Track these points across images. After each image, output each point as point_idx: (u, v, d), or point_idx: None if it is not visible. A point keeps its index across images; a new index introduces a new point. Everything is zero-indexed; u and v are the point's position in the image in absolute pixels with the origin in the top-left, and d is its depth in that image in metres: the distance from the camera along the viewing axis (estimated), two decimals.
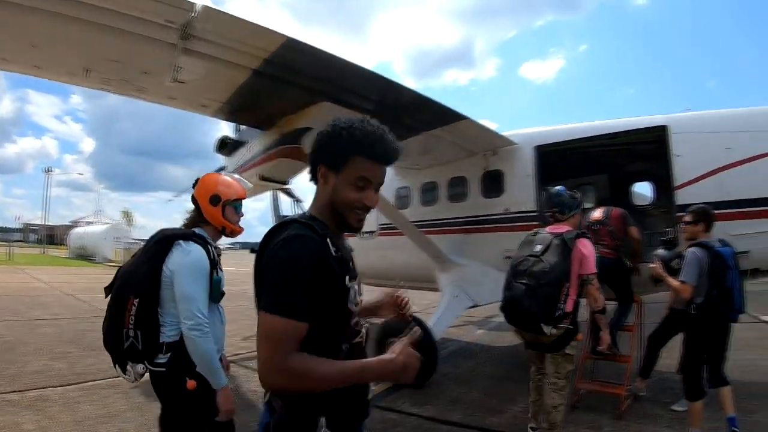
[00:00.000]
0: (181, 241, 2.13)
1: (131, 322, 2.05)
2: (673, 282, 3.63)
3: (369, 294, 1.52)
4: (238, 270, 12.77)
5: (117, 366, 2.14)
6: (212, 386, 2.05)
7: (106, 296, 2.17)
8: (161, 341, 2.09)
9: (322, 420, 1.20)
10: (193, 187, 2.34)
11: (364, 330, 1.36)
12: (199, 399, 2.05)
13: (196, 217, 2.32)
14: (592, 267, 3.07)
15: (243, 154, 5.93)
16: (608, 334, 3.54)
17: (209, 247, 2.19)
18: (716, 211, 3.80)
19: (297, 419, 1.21)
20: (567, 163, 6.54)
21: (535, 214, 5.57)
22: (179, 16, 3.06)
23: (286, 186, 6.39)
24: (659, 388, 4.73)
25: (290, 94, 4.33)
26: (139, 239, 37.69)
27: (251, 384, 5.03)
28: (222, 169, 6.56)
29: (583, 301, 3.30)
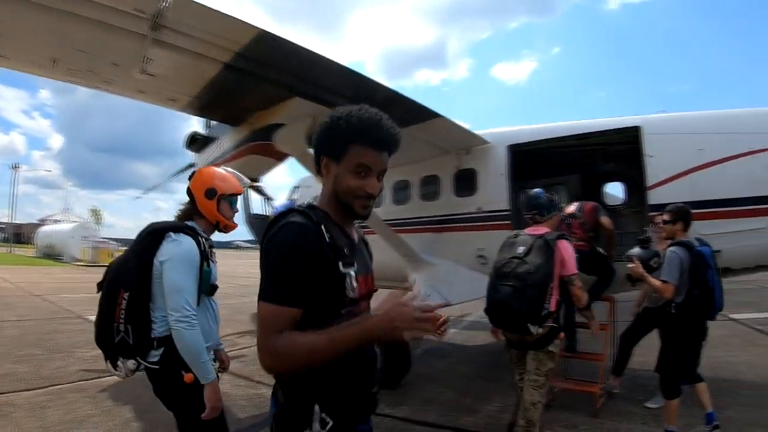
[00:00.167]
0: (171, 233, 2.11)
1: (122, 316, 2.03)
2: (655, 282, 3.62)
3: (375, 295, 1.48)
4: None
5: (108, 362, 2.12)
6: (199, 381, 2.00)
7: (98, 291, 2.15)
8: (152, 336, 2.06)
9: (317, 407, 1.20)
10: (190, 179, 2.31)
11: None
12: (200, 391, 2.01)
13: (191, 210, 2.30)
14: (573, 268, 3.12)
15: (213, 151, 5.79)
16: (596, 322, 3.71)
17: (200, 238, 2.16)
18: None
19: (295, 407, 1.23)
20: (540, 162, 6.58)
21: (507, 213, 5.59)
22: (150, 5, 2.95)
23: (257, 183, 6.28)
24: (632, 386, 4.79)
25: (262, 89, 4.23)
26: (107, 238, 36.71)
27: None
28: (192, 165, 6.40)
29: None
